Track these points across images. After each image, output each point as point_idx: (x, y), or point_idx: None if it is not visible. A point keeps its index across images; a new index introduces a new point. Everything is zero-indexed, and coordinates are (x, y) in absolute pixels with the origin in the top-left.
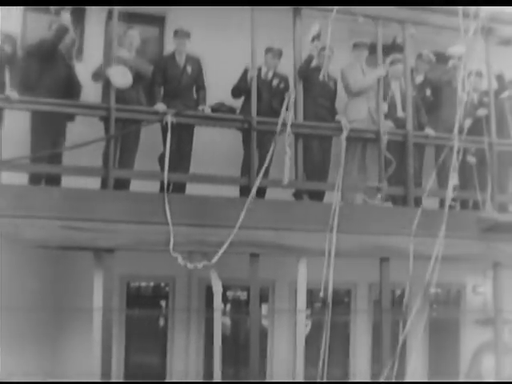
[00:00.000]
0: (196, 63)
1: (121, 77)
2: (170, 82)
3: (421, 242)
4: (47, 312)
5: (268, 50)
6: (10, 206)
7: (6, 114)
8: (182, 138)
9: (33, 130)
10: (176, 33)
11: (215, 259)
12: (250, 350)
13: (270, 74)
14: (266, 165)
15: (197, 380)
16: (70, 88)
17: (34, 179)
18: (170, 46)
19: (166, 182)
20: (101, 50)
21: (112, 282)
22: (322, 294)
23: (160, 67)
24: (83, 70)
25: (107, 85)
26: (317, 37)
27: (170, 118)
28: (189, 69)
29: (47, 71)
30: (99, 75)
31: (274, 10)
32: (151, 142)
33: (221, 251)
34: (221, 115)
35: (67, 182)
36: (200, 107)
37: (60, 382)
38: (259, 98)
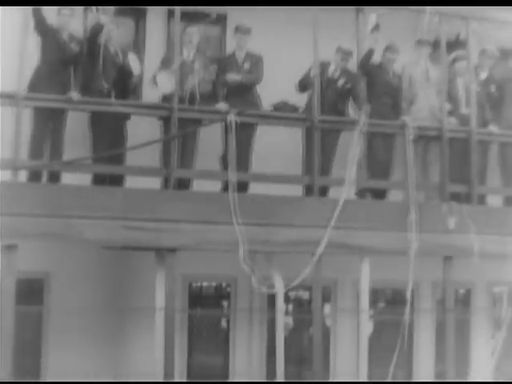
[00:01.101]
0: (256, 60)
1: (166, 83)
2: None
3: (486, 240)
4: (110, 312)
5: (338, 50)
6: (73, 206)
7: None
8: (243, 137)
9: (93, 131)
10: (237, 28)
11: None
12: (312, 350)
13: (338, 73)
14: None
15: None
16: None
17: (97, 180)
18: (232, 43)
19: (232, 181)
20: (162, 51)
21: (174, 281)
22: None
23: (221, 66)
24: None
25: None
26: (375, 28)
27: (232, 118)
28: (247, 65)
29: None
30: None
31: (337, 8)
32: (209, 141)
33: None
34: (283, 114)
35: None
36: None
37: (71, 383)
38: (324, 96)
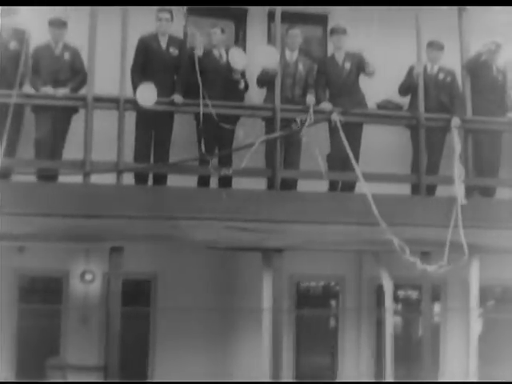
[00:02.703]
0: (356, 59)
1: (268, 56)
2: (333, 81)
3: None
4: (217, 312)
5: (429, 44)
6: (179, 207)
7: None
8: (350, 136)
9: (200, 132)
10: (332, 30)
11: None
12: (422, 350)
13: (436, 69)
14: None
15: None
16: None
17: (202, 181)
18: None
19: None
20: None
21: (281, 282)
22: None
23: (322, 66)
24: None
25: (271, 86)
26: (497, 46)
27: (336, 117)
28: (347, 65)
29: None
30: (262, 81)
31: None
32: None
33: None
34: (388, 112)
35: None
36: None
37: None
38: (426, 93)
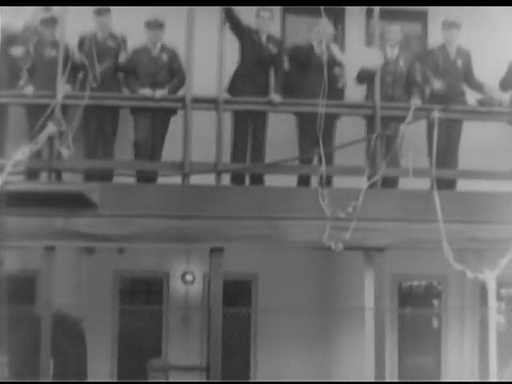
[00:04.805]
0: (466, 57)
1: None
2: (441, 73)
3: None
4: (319, 313)
5: None
6: (279, 207)
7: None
8: (449, 133)
9: (300, 132)
10: (445, 23)
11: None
12: None
13: None
14: None
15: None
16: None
17: (303, 180)
18: (433, 40)
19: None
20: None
21: (383, 281)
22: None
23: (426, 61)
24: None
25: (371, 84)
26: None
27: (436, 114)
28: (459, 62)
29: (305, 75)
30: (362, 78)
31: None
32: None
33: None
34: (488, 109)
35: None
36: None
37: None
38: None
